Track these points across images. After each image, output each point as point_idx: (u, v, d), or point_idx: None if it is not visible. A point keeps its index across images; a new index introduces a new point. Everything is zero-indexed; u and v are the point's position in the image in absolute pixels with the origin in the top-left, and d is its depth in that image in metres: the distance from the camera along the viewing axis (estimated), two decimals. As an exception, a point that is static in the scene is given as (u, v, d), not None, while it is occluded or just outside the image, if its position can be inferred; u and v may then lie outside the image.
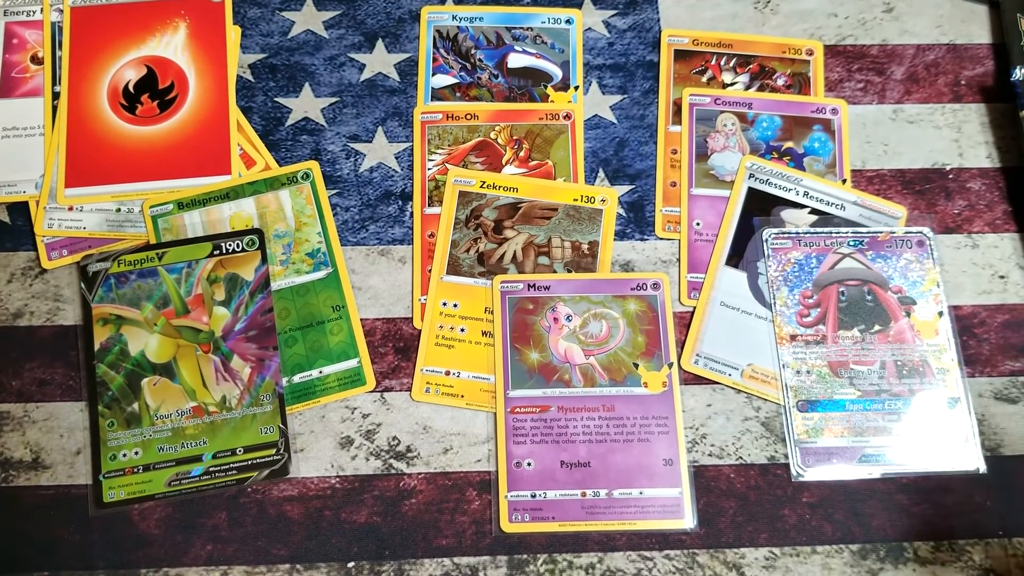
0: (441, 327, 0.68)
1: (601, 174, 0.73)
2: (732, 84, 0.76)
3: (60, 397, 0.66)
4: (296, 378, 0.66)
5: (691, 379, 0.67)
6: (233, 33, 0.75)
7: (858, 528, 0.63)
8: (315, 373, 0.66)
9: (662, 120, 0.75)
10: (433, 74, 0.76)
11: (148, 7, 0.75)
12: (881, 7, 0.80)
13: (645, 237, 0.72)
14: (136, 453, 0.63)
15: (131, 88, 0.73)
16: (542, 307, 0.67)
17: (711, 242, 0.71)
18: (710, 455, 0.65)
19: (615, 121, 0.75)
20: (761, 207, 0.71)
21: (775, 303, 0.68)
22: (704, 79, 0.76)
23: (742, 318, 0.68)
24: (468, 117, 0.74)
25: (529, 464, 0.63)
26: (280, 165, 0.72)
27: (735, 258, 0.70)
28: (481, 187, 0.71)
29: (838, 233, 0.70)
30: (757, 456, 0.65)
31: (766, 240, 0.70)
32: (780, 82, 0.76)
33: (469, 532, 0.63)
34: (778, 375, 0.67)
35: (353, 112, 0.74)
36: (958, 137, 0.75)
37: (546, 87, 0.75)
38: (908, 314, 0.68)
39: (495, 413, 0.65)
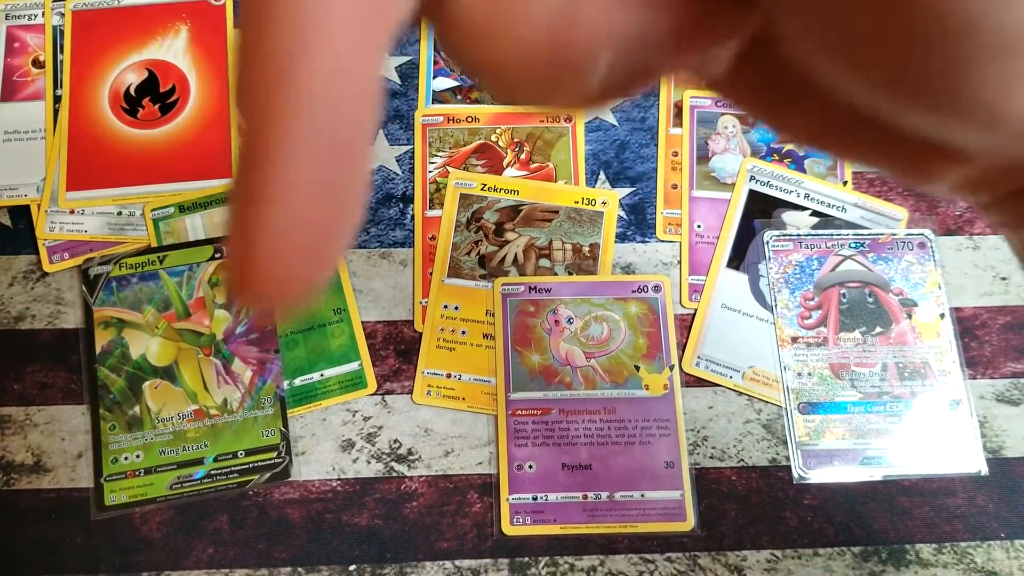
0: (442, 330, 0.68)
1: (602, 176, 0.73)
2: (733, 86, 0.76)
3: (62, 400, 0.66)
4: (297, 381, 0.66)
5: (692, 381, 0.67)
6: (234, 36, 0.75)
7: (860, 530, 0.63)
8: (316, 376, 0.66)
9: (663, 122, 0.75)
10: (434, 77, 0.76)
11: (149, 10, 0.75)
12: (882, 9, 0.80)
13: (646, 239, 0.72)
14: (138, 456, 0.63)
15: (132, 91, 0.73)
16: (543, 309, 0.67)
17: (712, 244, 0.71)
18: (711, 457, 0.65)
19: (616, 124, 0.75)
20: (762, 209, 0.71)
21: (776, 305, 0.68)
22: (705, 81, 0.76)
23: (743, 320, 0.68)
24: (469, 120, 0.74)
25: (530, 467, 0.63)
26: (281, 168, 0.72)
27: (736, 260, 0.70)
28: (482, 190, 0.71)
29: (839, 235, 0.70)
30: (758, 458, 0.65)
31: (767, 242, 0.70)
32: (781, 84, 0.76)
33: (471, 535, 0.63)
34: (779, 377, 0.66)
35: (354, 115, 0.74)
36: (959, 139, 0.75)
37: (547, 90, 0.75)
38: (909, 316, 0.68)
39: (496, 416, 0.65)
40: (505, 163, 0.73)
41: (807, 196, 0.71)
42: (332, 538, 0.63)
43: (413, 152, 0.73)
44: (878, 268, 0.69)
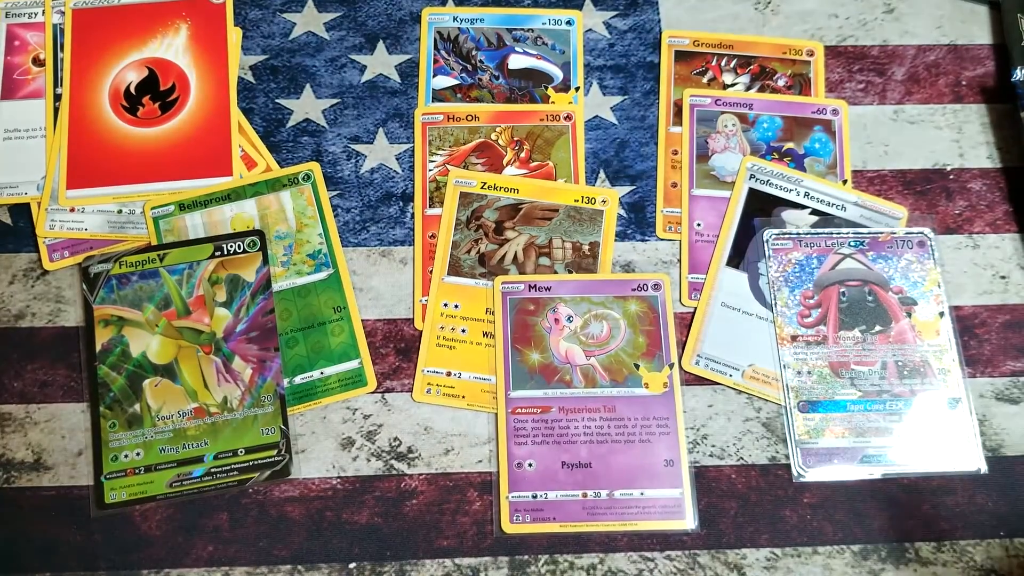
0: (442, 328, 0.68)
1: (602, 175, 0.73)
2: (733, 85, 0.76)
3: (62, 398, 0.66)
4: (297, 379, 0.66)
5: (692, 380, 0.67)
6: (234, 35, 0.75)
7: (859, 529, 0.63)
8: (316, 374, 0.66)
9: (663, 121, 0.75)
10: (434, 75, 0.76)
11: (149, 9, 0.75)
12: (881, 8, 0.80)
13: (646, 238, 0.72)
14: (138, 454, 0.63)
15: (132, 90, 0.73)
16: (543, 308, 0.67)
17: (712, 243, 0.71)
18: (711, 456, 0.65)
19: (616, 122, 0.75)
20: (762, 208, 0.71)
21: (776, 304, 0.68)
22: (705, 80, 0.76)
23: (743, 319, 0.68)
24: (469, 118, 0.74)
25: (530, 465, 0.63)
26: (281, 166, 0.72)
27: (736, 259, 0.70)
28: (482, 188, 0.71)
29: (839, 234, 0.70)
30: (758, 457, 0.65)
31: (767, 241, 0.70)
32: (781, 83, 0.76)
33: (470, 533, 0.63)
34: (779, 376, 0.67)
35: (354, 113, 0.75)
36: (959, 137, 0.75)
37: (547, 88, 0.75)
38: (909, 314, 0.68)
39: (496, 414, 0.65)
40: (505, 161, 0.73)
41: (807, 195, 0.71)
42: (332, 536, 0.63)
43: (413, 150, 0.73)
44: (878, 266, 0.69)
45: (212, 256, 0.67)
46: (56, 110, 0.72)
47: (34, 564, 0.62)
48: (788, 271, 0.69)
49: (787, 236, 0.70)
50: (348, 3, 0.78)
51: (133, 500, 0.62)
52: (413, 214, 0.72)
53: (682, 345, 0.68)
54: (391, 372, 0.67)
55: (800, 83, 0.76)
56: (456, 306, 0.68)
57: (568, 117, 0.74)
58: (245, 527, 0.63)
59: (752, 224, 0.71)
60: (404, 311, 0.69)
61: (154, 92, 0.73)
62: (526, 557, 0.62)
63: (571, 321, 0.67)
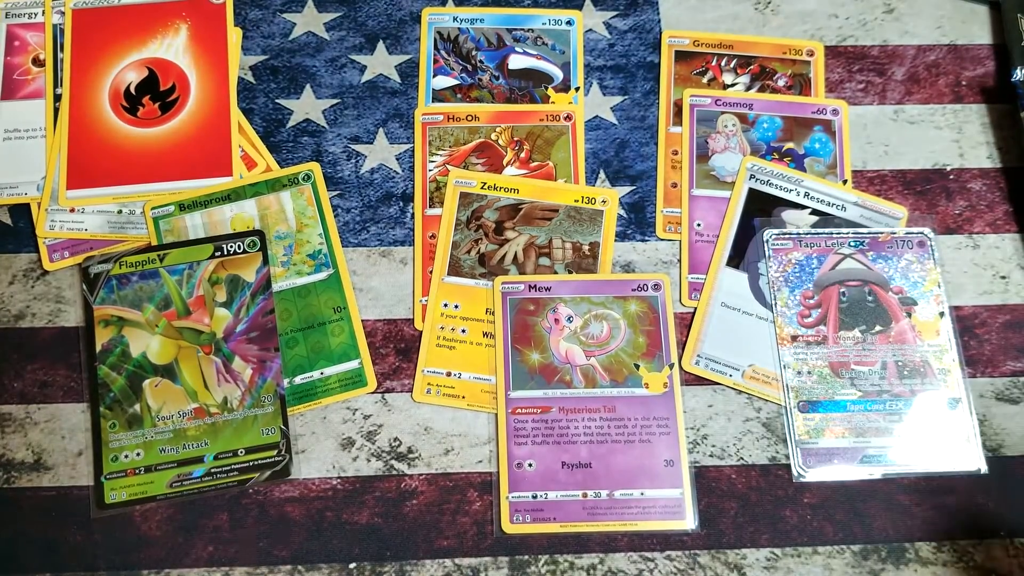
0: (442, 328, 0.68)
1: (602, 175, 0.73)
2: (733, 85, 0.76)
3: (62, 398, 0.66)
4: (297, 379, 0.66)
5: (692, 380, 0.67)
6: (234, 35, 0.75)
7: (859, 529, 0.63)
8: (316, 374, 0.66)
9: (663, 121, 0.75)
10: (434, 75, 0.76)
11: (149, 9, 0.75)
12: (881, 8, 0.80)
13: (646, 238, 0.72)
14: (138, 454, 0.63)
15: (132, 90, 0.73)
16: (543, 308, 0.67)
17: (712, 243, 0.71)
18: (711, 456, 0.65)
19: (616, 122, 0.75)
20: (762, 208, 0.71)
21: (776, 304, 0.68)
22: (705, 80, 0.76)
23: (743, 319, 0.68)
24: (469, 118, 0.74)
25: (530, 465, 0.63)
26: (281, 167, 0.72)
27: (736, 259, 0.70)
28: (482, 188, 0.71)
29: (839, 234, 0.70)
30: (758, 457, 0.65)
31: (767, 241, 0.70)
32: (781, 83, 0.76)
33: (470, 533, 0.63)
34: (779, 376, 0.67)
35: (354, 113, 0.75)
36: (959, 138, 0.75)
37: (547, 88, 0.75)
38: (909, 315, 0.68)
39: (496, 414, 0.65)
40: (505, 161, 0.73)
41: (807, 195, 0.71)
42: (332, 536, 0.63)
43: (413, 150, 0.73)
44: (878, 266, 0.69)
45: (212, 256, 0.67)
46: (56, 110, 0.72)
47: (34, 564, 0.62)
48: (788, 271, 0.69)
49: (787, 236, 0.70)
50: (348, 3, 0.78)
51: (133, 500, 0.62)
52: (413, 214, 0.72)
53: (682, 345, 0.68)
54: (391, 372, 0.67)
55: (800, 83, 0.76)
56: (456, 306, 0.68)
57: (568, 117, 0.74)
58: (245, 527, 0.63)
59: (752, 224, 0.71)
60: (404, 311, 0.69)
61: (154, 92, 0.73)
62: (526, 557, 0.62)
63: (571, 321, 0.67)
